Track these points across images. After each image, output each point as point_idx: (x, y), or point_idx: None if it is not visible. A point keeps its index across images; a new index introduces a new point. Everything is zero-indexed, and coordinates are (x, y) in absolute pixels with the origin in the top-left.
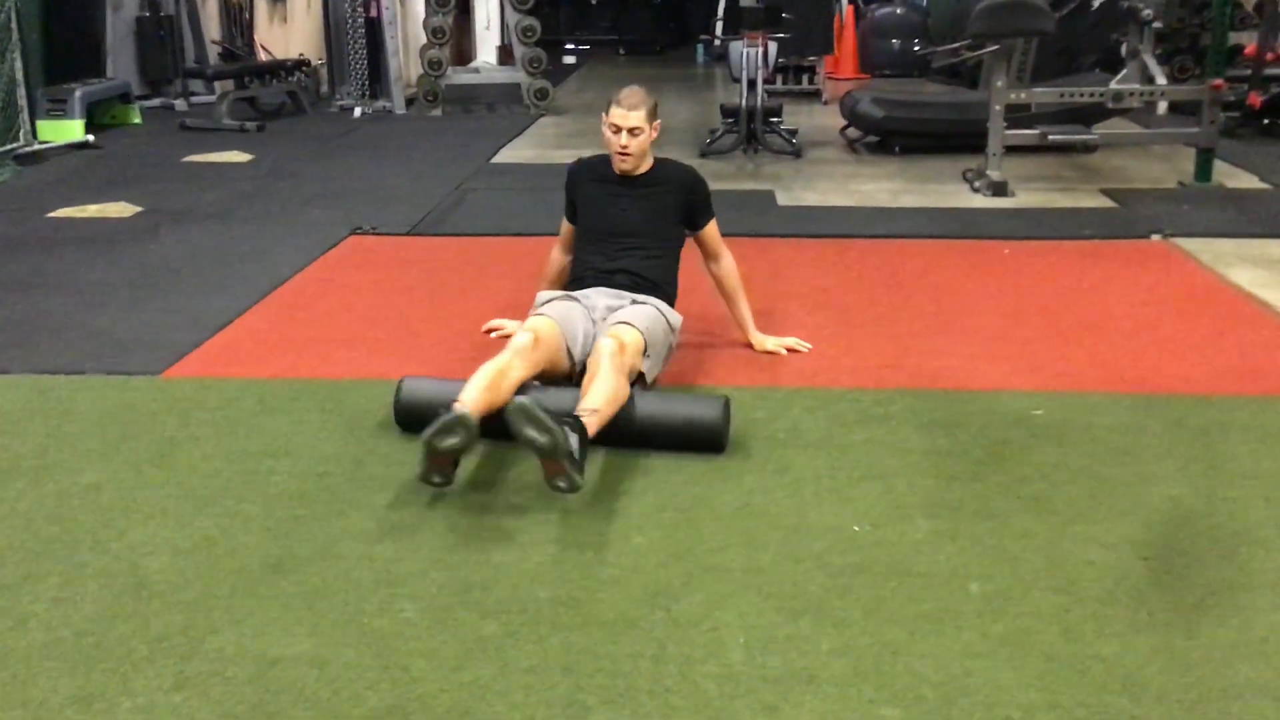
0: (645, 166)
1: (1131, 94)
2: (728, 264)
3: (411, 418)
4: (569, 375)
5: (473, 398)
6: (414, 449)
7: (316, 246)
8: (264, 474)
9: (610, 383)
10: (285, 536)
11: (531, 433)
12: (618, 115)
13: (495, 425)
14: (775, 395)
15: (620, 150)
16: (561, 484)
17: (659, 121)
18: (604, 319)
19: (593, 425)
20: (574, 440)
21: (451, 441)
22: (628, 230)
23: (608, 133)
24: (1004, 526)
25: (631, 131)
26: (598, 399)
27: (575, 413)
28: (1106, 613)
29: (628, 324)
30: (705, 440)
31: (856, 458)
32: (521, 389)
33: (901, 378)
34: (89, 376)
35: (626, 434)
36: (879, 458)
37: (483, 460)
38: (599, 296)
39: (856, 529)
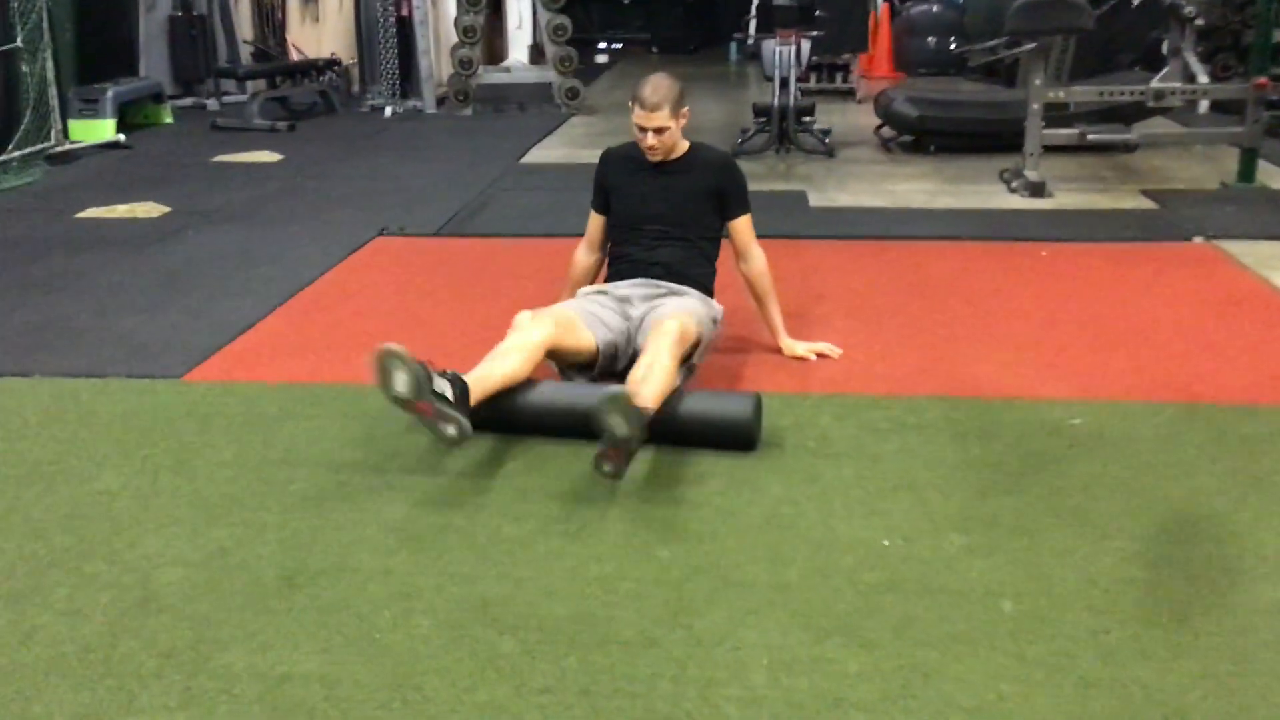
0: (678, 152)
1: (1173, 93)
2: (759, 264)
3: None
4: (593, 361)
5: (472, 374)
6: (436, 457)
7: (342, 248)
8: (281, 482)
9: (666, 373)
10: (300, 548)
11: (617, 422)
12: (641, 116)
13: (494, 405)
14: (804, 402)
15: (648, 149)
16: (608, 468)
17: (686, 108)
18: (644, 309)
19: (647, 419)
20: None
21: (402, 378)
22: (661, 217)
23: (635, 130)
24: (1040, 542)
25: (657, 130)
26: (653, 393)
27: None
28: (1147, 634)
29: (678, 315)
30: (736, 438)
31: (888, 468)
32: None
33: (935, 384)
34: (110, 380)
35: (658, 431)
36: (911, 468)
37: (504, 466)
38: (635, 288)
39: (886, 543)
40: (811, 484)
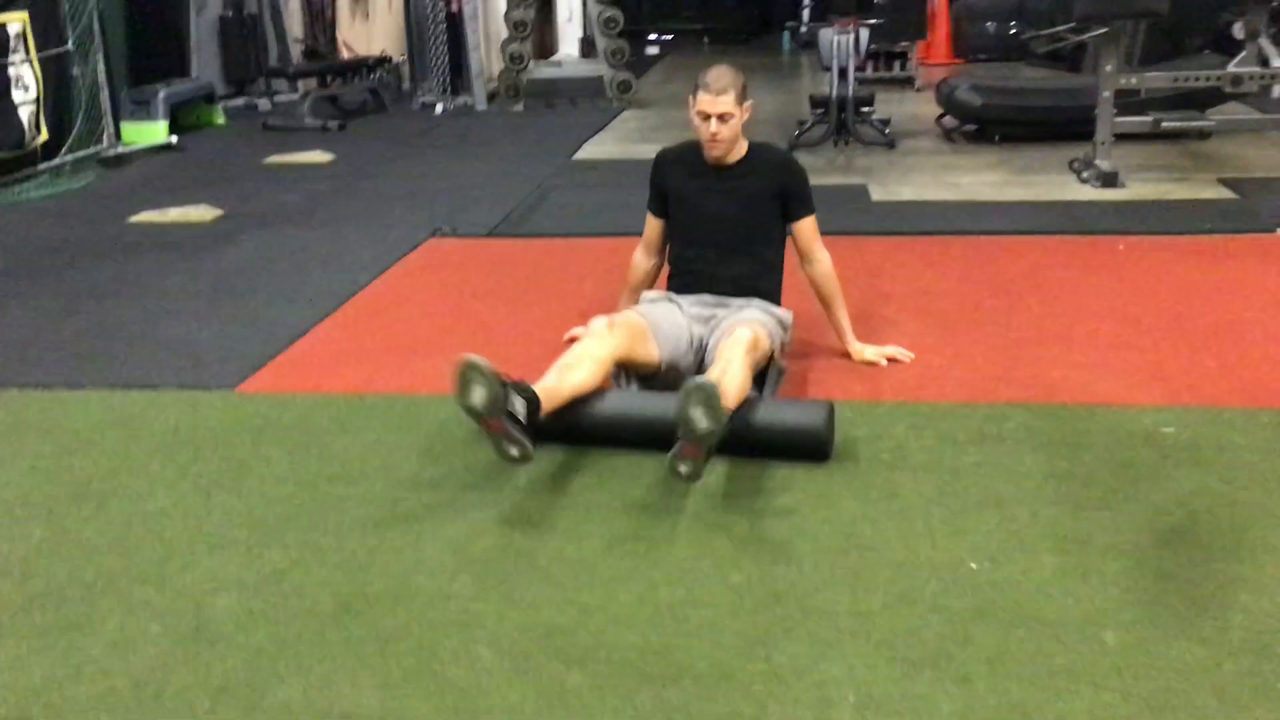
0: (738, 153)
1: (1251, 77)
2: (824, 266)
3: None
4: (654, 373)
5: (542, 383)
6: (494, 472)
7: (395, 250)
8: (336, 500)
9: (741, 378)
10: (357, 571)
11: (699, 414)
12: (705, 101)
13: (563, 417)
14: (877, 411)
15: (710, 138)
16: (684, 469)
17: (750, 102)
18: (708, 329)
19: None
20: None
21: (480, 393)
22: (726, 229)
23: (696, 120)
24: (1139, 564)
25: (721, 117)
26: (732, 388)
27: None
28: (1262, 668)
29: (749, 323)
30: (809, 448)
31: (969, 482)
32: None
33: (1014, 390)
34: (162, 391)
35: (727, 441)
36: (994, 482)
37: (563, 481)
38: (702, 306)
39: (974, 566)
40: (889, 500)
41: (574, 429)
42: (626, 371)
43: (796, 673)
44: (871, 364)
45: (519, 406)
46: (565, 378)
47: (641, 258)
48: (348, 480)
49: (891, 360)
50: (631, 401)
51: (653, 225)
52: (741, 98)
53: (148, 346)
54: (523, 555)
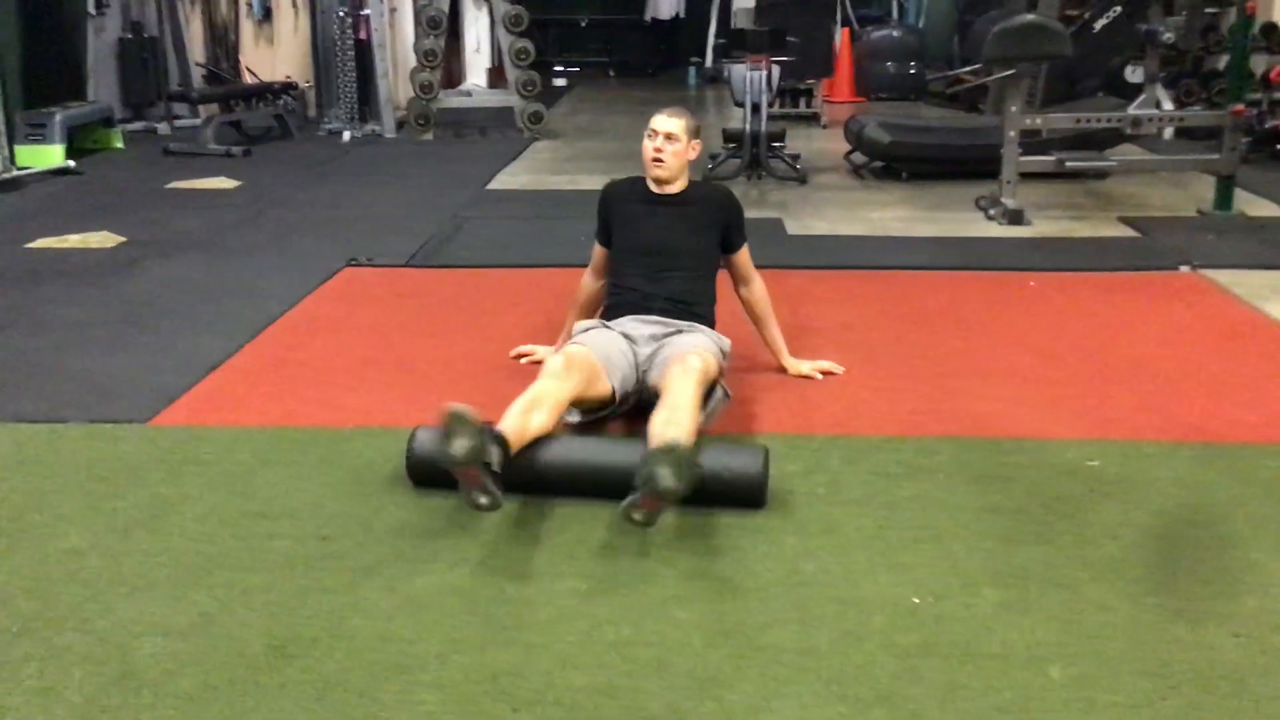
0: (680, 185)
1: (1150, 120)
2: (759, 288)
3: (426, 471)
4: (607, 404)
5: (509, 424)
6: (427, 508)
7: (309, 279)
8: (263, 537)
9: (692, 416)
10: (289, 613)
11: (666, 474)
12: (657, 120)
13: (523, 463)
14: (809, 445)
15: (655, 155)
16: (638, 517)
17: (698, 142)
18: (652, 347)
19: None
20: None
21: (463, 444)
22: (665, 248)
23: (646, 142)
24: (1078, 597)
25: (668, 137)
26: (683, 430)
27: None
28: (1205, 701)
29: (699, 351)
30: (745, 494)
31: (906, 516)
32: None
33: (941, 424)
34: (71, 425)
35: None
36: (930, 516)
37: (497, 520)
38: (640, 325)
39: (917, 601)
40: (828, 535)
41: (535, 480)
42: (578, 408)
43: (750, 712)
44: (807, 377)
45: (494, 456)
46: (529, 420)
47: (589, 280)
48: (273, 517)
49: (825, 373)
50: (592, 452)
51: (599, 253)
52: (692, 134)
53: (52, 378)
54: (461, 594)
